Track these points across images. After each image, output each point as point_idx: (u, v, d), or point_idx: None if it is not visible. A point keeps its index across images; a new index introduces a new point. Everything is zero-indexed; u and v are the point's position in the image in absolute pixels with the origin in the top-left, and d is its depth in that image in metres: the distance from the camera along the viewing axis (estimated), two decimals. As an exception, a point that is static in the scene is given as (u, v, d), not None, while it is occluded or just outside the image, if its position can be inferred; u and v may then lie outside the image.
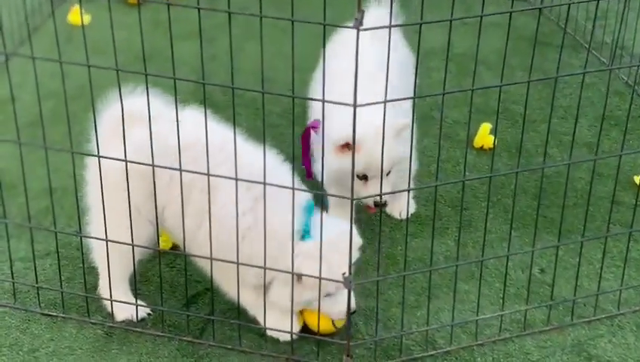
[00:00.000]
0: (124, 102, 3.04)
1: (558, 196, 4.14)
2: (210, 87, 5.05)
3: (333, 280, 3.02)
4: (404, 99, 2.89)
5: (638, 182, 4.18)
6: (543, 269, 3.70)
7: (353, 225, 2.99)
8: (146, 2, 4.88)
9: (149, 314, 3.42)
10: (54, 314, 3.44)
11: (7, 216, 3.73)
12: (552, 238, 3.86)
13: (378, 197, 3.41)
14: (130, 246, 3.19)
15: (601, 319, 3.46)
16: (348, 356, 3.14)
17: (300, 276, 3.08)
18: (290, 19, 2.64)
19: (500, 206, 4.11)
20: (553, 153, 4.49)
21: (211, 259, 3.12)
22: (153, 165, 3.02)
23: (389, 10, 2.70)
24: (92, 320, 3.41)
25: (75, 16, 5.81)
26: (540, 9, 2.88)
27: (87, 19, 5.59)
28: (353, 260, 3.01)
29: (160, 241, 3.51)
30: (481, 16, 2.77)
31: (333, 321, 3.27)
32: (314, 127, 3.59)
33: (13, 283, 3.52)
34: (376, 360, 3.26)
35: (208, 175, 2.95)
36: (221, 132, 3.14)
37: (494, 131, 4.43)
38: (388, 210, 3.97)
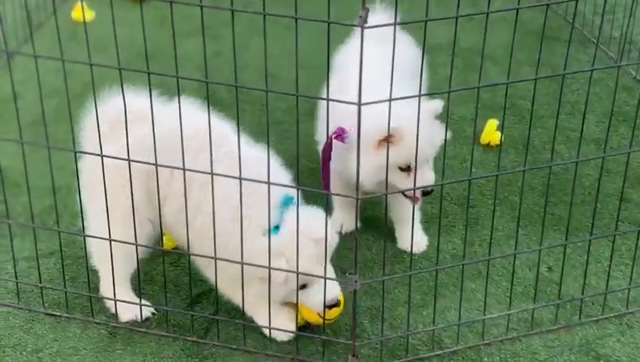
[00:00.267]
0: (111, 102, 3.06)
1: (565, 193, 4.11)
2: (215, 84, 5.03)
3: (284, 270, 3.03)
4: (410, 97, 2.84)
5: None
6: (550, 267, 3.66)
7: (326, 219, 2.96)
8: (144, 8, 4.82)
9: (153, 314, 3.40)
10: (58, 314, 3.43)
11: (11, 214, 3.71)
12: (560, 236, 3.83)
13: (426, 186, 3.34)
14: (131, 246, 3.17)
15: (609, 318, 3.42)
16: (354, 356, 3.12)
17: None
18: (294, 16, 2.61)
19: (507, 203, 4.07)
20: (561, 149, 4.45)
21: (215, 258, 3.09)
22: (157, 164, 2.99)
23: (394, 10, 2.65)
24: (96, 320, 3.39)
25: (79, 12, 5.78)
26: (547, 5, 2.83)
27: (91, 15, 5.58)
28: (320, 253, 3.01)
29: (163, 240, 3.50)
30: (487, 13, 2.74)
31: (319, 314, 3.20)
32: (340, 136, 3.40)
33: (17, 282, 3.50)
34: (382, 359, 3.24)
35: (212, 174, 2.93)
36: (219, 126, 3.11)
37: (501, 128, 4.39)
38: (399, 245, 3.85)
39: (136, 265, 3.31)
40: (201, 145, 3.01)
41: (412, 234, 3.34)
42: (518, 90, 4.86)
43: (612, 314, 3.43)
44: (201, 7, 2.69)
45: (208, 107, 2.94)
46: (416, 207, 3.66)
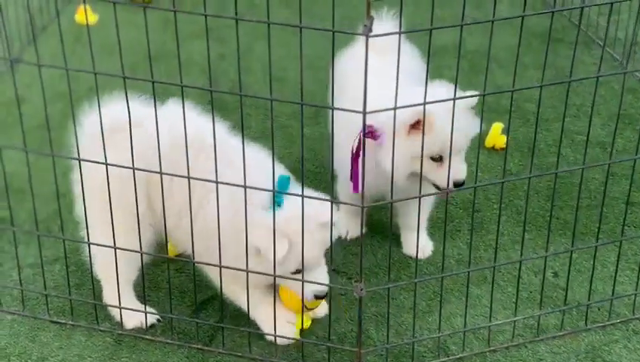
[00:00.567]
0: (107, 110, 3.04)
1: (571, 197, 4.09)
2: (219, 86, 5.03)
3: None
4: (416, 105, 2.83)
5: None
6: (556, 273, 3.65)
7: (331, 206, 2.94)
8: (150, 6, 4.82)
9: (158, 321, 3.40)
10: (63, 321, 3.42)
11: (16, 220, 3.71)
12: (565, 240, 3.82)
13: (458, 178, 3.28)
14: (134, 253, 3.17)
15: (615, 324, 3.41)
16: (359, 363, 3.12)
17: (258, 250, 3.00)
18: (298, 25, 2.60)
19: (512, 207, 4.06)
20: (566, 153, 4.44)
21: (220, 266, 3.09)
22: (161, 172, 2.99)
23: (399, 19, 2.65)
24: (101, 328, 3.39)
25: (83, 15, 5.77)
26: (552, 12, 2.82)
27: (94, 18, 5.58)
28: (323, 238, 2.99)
29: (168, 247, 3.49)
30: (493, 21, 2.74)
31: (303, 302, 3.14)
32: (370, 133, 3.27)
33: (22, 290, 3.49)
34: (388, 367, 3.24)
35: (216, 182, 2.92)
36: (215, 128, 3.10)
37: (507, 132, 4.37)
38: (406, 250, 3.83)
39: (138, 272, 3.31)
40: (197, 150, 3.01)
41: (418, 240, 3.32)
42: (523, 93, 4.84)
43: (618, 320, 3.42)
44: (205, 15, 2.68)
45: (213, 115, 2.93)
46: (424, 212, 3.66)
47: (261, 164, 3.02)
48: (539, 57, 5.14)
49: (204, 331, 3.37)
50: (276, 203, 2.99)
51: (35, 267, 3.65)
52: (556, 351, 3.29)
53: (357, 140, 3.32)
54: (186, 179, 2.96)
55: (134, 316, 3.36)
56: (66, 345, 3.32)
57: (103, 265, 3.30)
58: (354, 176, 3.39)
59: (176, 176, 3.00)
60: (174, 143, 2.99)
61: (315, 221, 2.96)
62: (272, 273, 3.00)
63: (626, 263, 3.68)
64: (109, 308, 3.41)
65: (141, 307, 3.37)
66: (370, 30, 2.53)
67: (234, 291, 3.23)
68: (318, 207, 2.95)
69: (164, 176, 3.00)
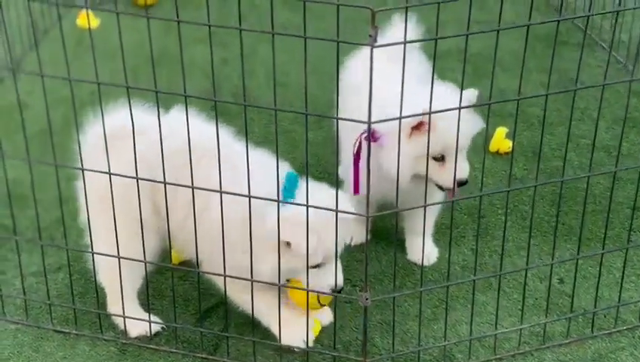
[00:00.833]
0: (109, 118, 3.04)
1: (575, 202, 4.08)
2: (223, 92, 5.01)
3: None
4: (420, 114, 2.82)
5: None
6: (562, 279, 3.64)
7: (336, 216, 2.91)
8: (153, 17, 4.81)
9: (163, 329, 3.38)
10: (67, 330, 3.41)
11: (19, 227, 3.69)
12: (571, 246, 3.80)
13: (461, 177, 3.27)
14: (138, 261, 3.15)
15: (621, 331, 3.39)
16: (365, 372, 3.10)
17: (288, 243, 2.98)
18: (302, 36, 2.59)
19: (517, 213, 4.05)
20: (570, 157, 4.42)
21: (225, 275, 3.08)
22: (165, 182, 2.97)
23: (409, 26, 2.63)
24: (105, 337, 3.38)
25: (84, 19, 5.76)
26: (558, 21, 2.81)
27: (96, 22, 5.56)
28: (346, 235, 2.97)
29: (172, 254, 3.48)
30: (498, 30, 2.73)
31: (318, 297, 3.14)
32: (372, 134, 3.16)
33: (25, 299, 3.48)
34: (394, 375, 3.23)
35: (221, 191, 2.91)
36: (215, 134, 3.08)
37: (513, 137, 4.35)
38: (409, 256, 3.82)
39: (142, 281, 3.30)
40: (200, 156, 2.99)
41: (423, 247, 3.30)
42: (529, 98, 4.81)
43: (624, 327, 3.40)
44: (209, 26, 2.66)
45: (217, 125, 2.91)
46: (430, 218, 3.64)
47: (266, 166, 2.99)
48: (542, 60, 5.12)
49: (209, 340, 3.36)
50: (289, 197, 3.00)
51: (38, 275, 3.63)
52: (562, 358, 3.27)
53: (357, 142, 3.32)
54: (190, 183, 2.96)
55: (138, 324, 3.35)
56: (70, 355, 3.31)
57: (106, 273, 3.29)
58: (354, 178, 3.39)
59: (179, 185, 2.99)
60: (178, 149, 2.98)
61: (341, 216, 2.92)
62: (283, 274, 3.04)
63: (632, 269, 3.67)
64: (113, 316, 3.40)
65: (145, 315, 3.36)
66: (376, 40, 2.52)
67: (247, 301, 3.19)
68: (340, 202, 2.91)
69: (168, 180, 2.99)
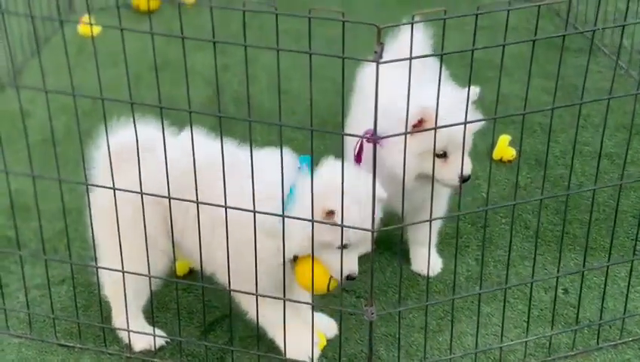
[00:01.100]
0: (117, 135, 3.00)
1: (579, 211, 4.07)
2: (224, 99, 5.01)
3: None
4: (428, 129, 2.81)
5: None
6: (566, 289, 3.63)
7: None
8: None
9: (167, 343, 3.37)
10: (71, 344, 3.40)
11: (22, 238, 3.69)
12: (575, 255, 3.80)
13: (466, 173, 3.24)
14: (145, 278, 3.14)
15: (627, 342, 3.38)
16: (370, 386, 3.09)
17: (331, 212, 2.88)
18: (307, 52, 2.58)
19: (521, 222, 4.04)
20: (574, 165, 4.40)
21: (227, 288, 3.06)
22: (169, 197, 2.96)
23: (417, 36, 2.63)
24: (109, 351, 3.36)
25: (85, 26, 5.75)
26: (563, 36, 2.81)
27: (97, 29, 5.53)
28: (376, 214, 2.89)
29: (176, 266, 3.47)
30: (504, 45, 2.73)
31: (329, 280, 3.00)
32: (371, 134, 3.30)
33: (29, 313, 3.46)
34: (399, 388, 3.22)
35: (226, 206, 2.90)
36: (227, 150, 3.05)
37: (517, 146, 4.35)
38: (414, 267, 3.81)
39: (147, 296, 3.28)
40: (213, 177, 2.97)
41: (429, 258, 3.28)
42: (529, 103, 4.79)
43: (630, 339, 3.39)
44: (214, 42, 2.66)
45: (221, 140, 2.90)
46: (434, 229, 3.63)
47: (277, 162, 2.91)
48: (544, 65, 5.12)
49: (213, 353, 3.34)
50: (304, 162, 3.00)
51: (41, 288, 3.62)
52: (568, 370, 3.28)
53: (357, 145, 3.34)
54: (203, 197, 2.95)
55: (143, 338, 3.34)
56: (74, 369, 3.31)
57: (112, 287, 3.28)
58: None
59: (185, 200, 2.98)
60: (187, 169, 2.95)
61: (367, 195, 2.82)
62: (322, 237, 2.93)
63: (637, 279, 3.66)
64: (118, 330, 3.39)
65: (150, 329, 3.35)
66: (381, 57, 2.51)
67: (262, 315, 3.15)
68: (362, 181, 2.87)
69: (181, 197, 2.99)
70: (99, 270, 3.29)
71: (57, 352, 3.38)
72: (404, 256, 3.80)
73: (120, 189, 2.99)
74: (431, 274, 3.71)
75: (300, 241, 2.94)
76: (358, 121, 3.52)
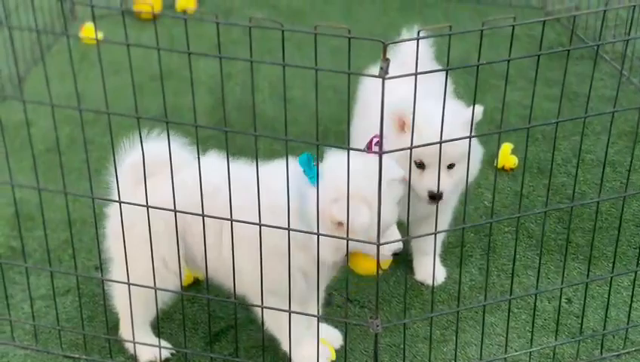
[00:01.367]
0: (145, 149, 2.94)
1: (581, 219, 4.09)
2: (227, 107, 5.02)
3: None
4: (429, 144, 2.82)
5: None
6: (569, 299, 3.64)
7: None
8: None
9: (172, 354, 3.38)
10: (77, 356, 3.40)
11: (26, 249, 3.70)
12: (578, 264, 3.81)
13: (434, 189, 3.18)
14: (154, 294, 3.14)
15: (631, 352, 3.39)
16: (375, 397, 3.10)
17: (340, 223, 2.85)
18: (314, 67, 2.59)
19: (524, 230, 4.05)
20: (575, 172, 4.43)
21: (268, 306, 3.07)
22: (175, 210, 2.96)
23: (415, 59, 2.63)
24: (115, 362, 3.38)
25: (87, 34, 5.76)
26: (568, 50, 2.83)
27: (99, 37, 5.55)
28: (396, 195, 2.89)
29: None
30: (509, 60, 2.74)
31: (378, 264, 2.91)
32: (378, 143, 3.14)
33: (35, 325, 3.47)
34: (404, 399, 3.23)
35: (232, 219, 2.90)
36: (244, 173, 3.05)
37: (518, 154, 4.36)
38: (418, 276, 3.81)
39: (155, 312, 3.28)
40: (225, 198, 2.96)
41: (434, 269, 3.28)
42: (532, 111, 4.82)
43: (633, 349, 3.40)
44: (220, 57, 2.67)
45: (227, 156, 2.91)
46: (438, 239, 3.64)
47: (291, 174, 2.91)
48: (545, 72, 5.14)
49: (219, 364, 3.36)
50: (312, 177, 2.93)
51: (46, 299, 3.63)
52: (572, 381, 3.29)
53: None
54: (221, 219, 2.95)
55: (149, 350, 3.34)
56: (80, 380, 3.32)
57: (122, 299, 3.27)
58: None
59: (192, 213, 2.98)
60: (209, 190, 2.96)
61: (385, 178, 2.76)
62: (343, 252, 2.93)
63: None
64: (124, 341, 3.40)
65: (155, 340, 3.35)
66: (387, 72, 2.52)
67: (280, 327, 3.16)
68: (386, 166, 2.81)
69: (200, 220, 2.97)
70: (103, 282, 3.30)
71: (63, 363, 3.40)
72: (408, 265, 3.81)
73: (124, 202, 2.99)
74: (434, 283, 3.71)
75: (330, 252, 2.92)
76: (360, 130, 3.53)
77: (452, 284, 3.72)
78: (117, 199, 3.01)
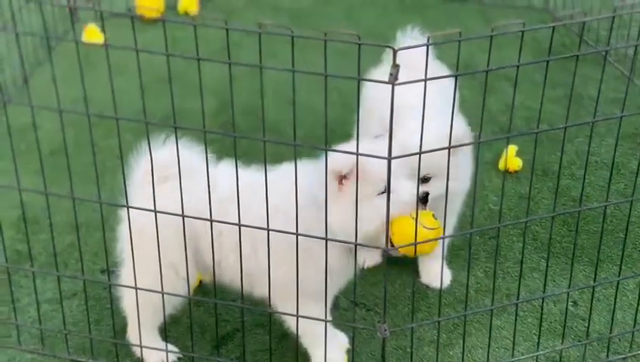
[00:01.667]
0: (156, 155, 2.95)
1: (586, 221, 4.09)
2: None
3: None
4: (436, 149, 2.81)
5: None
6: (575, 302, 3.64)
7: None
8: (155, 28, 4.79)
9: (179, 358, 3.38)
10: (83, 359, 3.40)
11: (32, 252, 3.68)
12: (583, 267, 3.81)
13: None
14: (168, 298, 3.14)
15: (637, 355, 3.40)
16: (383, 401, 3.11)
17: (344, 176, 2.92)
18: (322, 73, 2.60)
19: (529, 233, 4.05)
20: (580, 174, 4.44)
21: (297, 314, 3.07)
22: (211, 220, 2.94)
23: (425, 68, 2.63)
24: (122, 366, 3.38)
25: (90, 35, 5.77)
26: (577, 56, 2.83)
27: (101, 38, 5.55)
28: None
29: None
30: (518, 66, 2.74)
31: (417, 224, 2.84)
32: None
33: (41, 329, 3.47)
34: (412, 403, 3.23)
35: (237, 227, 2.91)
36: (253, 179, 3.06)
37: (524, 158, 4.36)
38: (423, 279, 3.81)
39: (163, 318, 3.28)
40: (249, 202, 2.96)
41: (442, 273, 3.28)
42: (535, 112, 4.83)
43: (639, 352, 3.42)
44: (230, 63, 2.67)
45: (236, 161, 2.91)
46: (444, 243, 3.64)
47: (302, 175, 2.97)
48: (550, 74, 5.12)
49: (226, 369, 3.37)
50: None
51: (53, 302, 3.63)
52: (579, 384, 3.30)
53: None
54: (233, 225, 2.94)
55: (156, 353, 3.34)
56: (87, 384, 3.33)
57: (131, 304, 3.26)
58: None
59: (201, 218, 2.98)
60: (224, 196, 2.98)
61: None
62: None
63: (645, 291, 3.68)
64: (131, 345, 3.40)
65: (163, 344, 3.35)
66: (396, 78, 2.52)
67: (314, 334, 3.16)
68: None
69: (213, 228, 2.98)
70: (110, 287, 3.30)
71: (70, 367, 3.40)
72: (414, 268, 3.81)
73: (133, 207, 3.00)
74: (439, 285, 3.73)
75: (367, 220, 2.86)
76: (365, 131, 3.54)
77: (458, 287, 3.72)
78: (126, 204, 3.01)
